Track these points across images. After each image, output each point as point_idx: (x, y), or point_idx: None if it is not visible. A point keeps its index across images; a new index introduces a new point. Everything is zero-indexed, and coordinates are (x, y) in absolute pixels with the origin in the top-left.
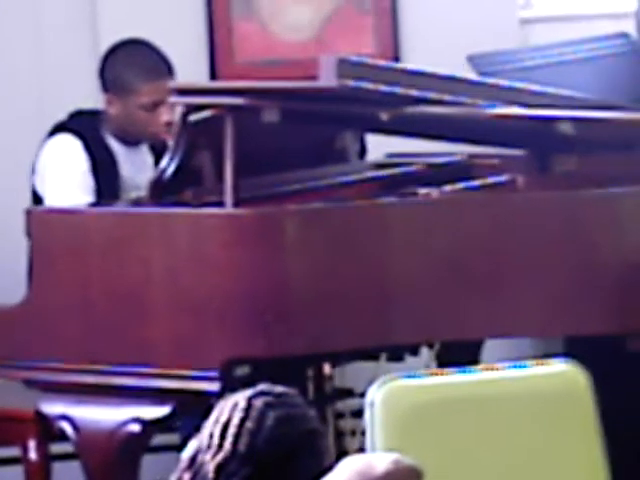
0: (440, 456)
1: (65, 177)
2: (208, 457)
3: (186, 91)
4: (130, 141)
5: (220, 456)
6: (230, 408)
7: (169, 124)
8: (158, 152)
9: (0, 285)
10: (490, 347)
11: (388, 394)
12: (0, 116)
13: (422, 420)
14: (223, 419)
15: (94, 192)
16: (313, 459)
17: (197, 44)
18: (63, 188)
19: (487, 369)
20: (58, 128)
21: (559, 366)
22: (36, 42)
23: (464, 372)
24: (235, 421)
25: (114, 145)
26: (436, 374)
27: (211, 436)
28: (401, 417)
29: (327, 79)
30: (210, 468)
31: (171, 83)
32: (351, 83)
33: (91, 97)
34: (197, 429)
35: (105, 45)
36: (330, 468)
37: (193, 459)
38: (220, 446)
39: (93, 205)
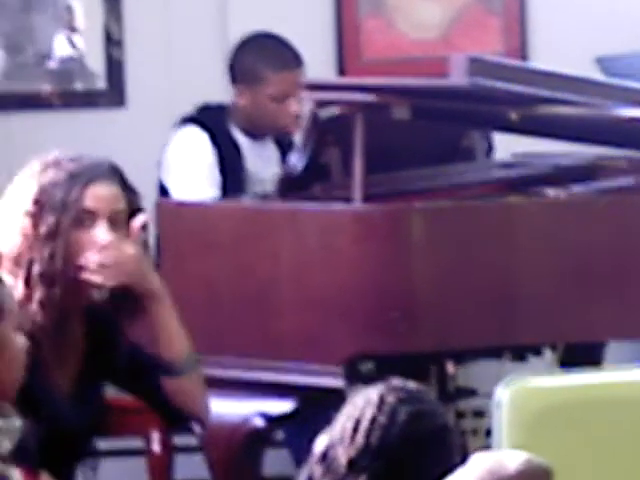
0: (567, 458)
1: (192, 169)
2: (340, 451)
3: (317, 87)
4: (256, 134)
5: (352, 450)
6: (363, 403)
7: (297, 116)
8: (283, 146)
9: None
10: (614, 349)
11: (515, 395)
12: (131, 110)
13: (549, 421)
14: (356, 414)
15: (220, 185)
16: (443, 454)
17: (325, 41)
18: (189, 180)
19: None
20: (185, 121)
21: None
22: (166, 38)
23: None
24: (368, 416)
25: (240, 138)
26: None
27: (343, 430)
28: (528, 418)
29: (458, 77)
30: (342, 462)
31: (303, 78)
32: (482, 82)
33: (219, 92)
34: (328, 423)
35: (234, 41)
36: (458, 464)
37: (325, 453)
38: (352, 440)
39: (221, 199)
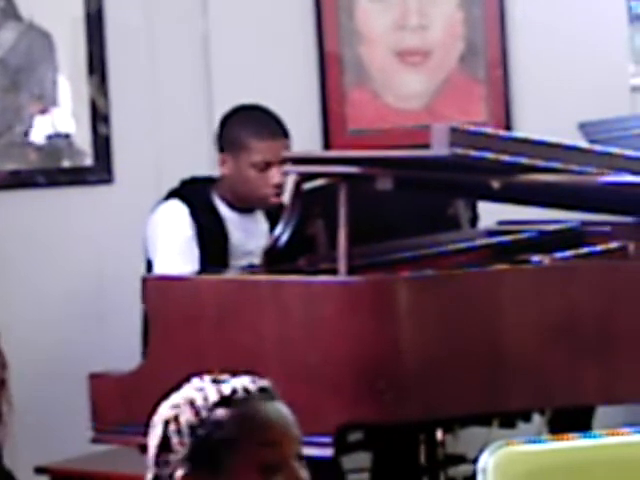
0: None
1: (169, 244)
2: None
3: (301, 160)
4: (241, 207)
5: None
6: None
7: (279, 186)
8: (274, 219)
9: (116, 351)
10: (603, 413)
11: (500, 460)
12: (119, 186)
13: None
14: None
15: (198, 259)
16: None
17: (310, 113)
18: (166, 255)
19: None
20: (169, 195)
21: None
22: (154, 114)
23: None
24: None
25: (225, 211)
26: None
27: None
28: None
29: (439, 147)
30: None
31: (286, 150)
32: (463, 152)
33: (206, 166)
34: None
35: (219, 115)
36: None
37: None
38: None
39: (200, 272)
